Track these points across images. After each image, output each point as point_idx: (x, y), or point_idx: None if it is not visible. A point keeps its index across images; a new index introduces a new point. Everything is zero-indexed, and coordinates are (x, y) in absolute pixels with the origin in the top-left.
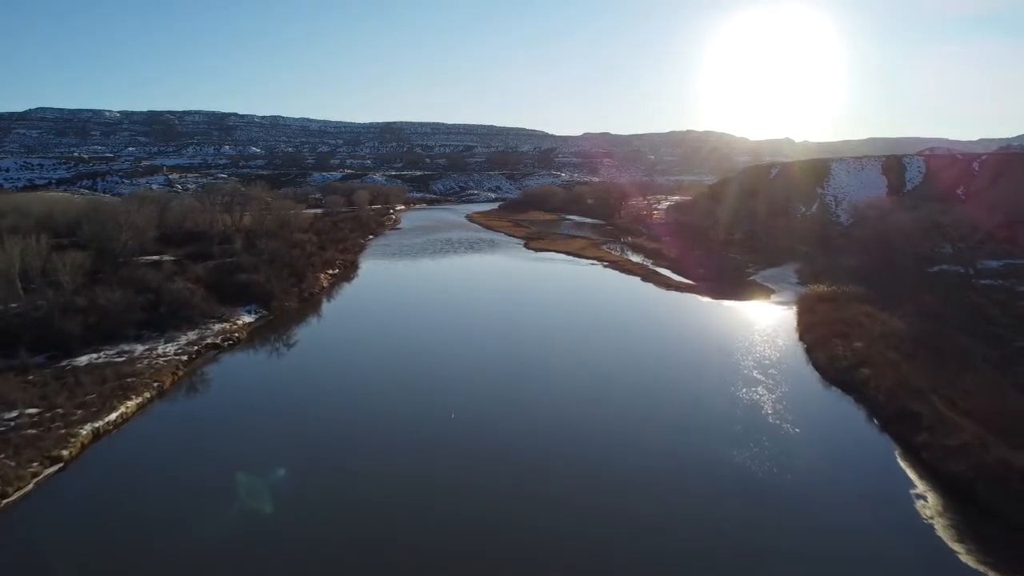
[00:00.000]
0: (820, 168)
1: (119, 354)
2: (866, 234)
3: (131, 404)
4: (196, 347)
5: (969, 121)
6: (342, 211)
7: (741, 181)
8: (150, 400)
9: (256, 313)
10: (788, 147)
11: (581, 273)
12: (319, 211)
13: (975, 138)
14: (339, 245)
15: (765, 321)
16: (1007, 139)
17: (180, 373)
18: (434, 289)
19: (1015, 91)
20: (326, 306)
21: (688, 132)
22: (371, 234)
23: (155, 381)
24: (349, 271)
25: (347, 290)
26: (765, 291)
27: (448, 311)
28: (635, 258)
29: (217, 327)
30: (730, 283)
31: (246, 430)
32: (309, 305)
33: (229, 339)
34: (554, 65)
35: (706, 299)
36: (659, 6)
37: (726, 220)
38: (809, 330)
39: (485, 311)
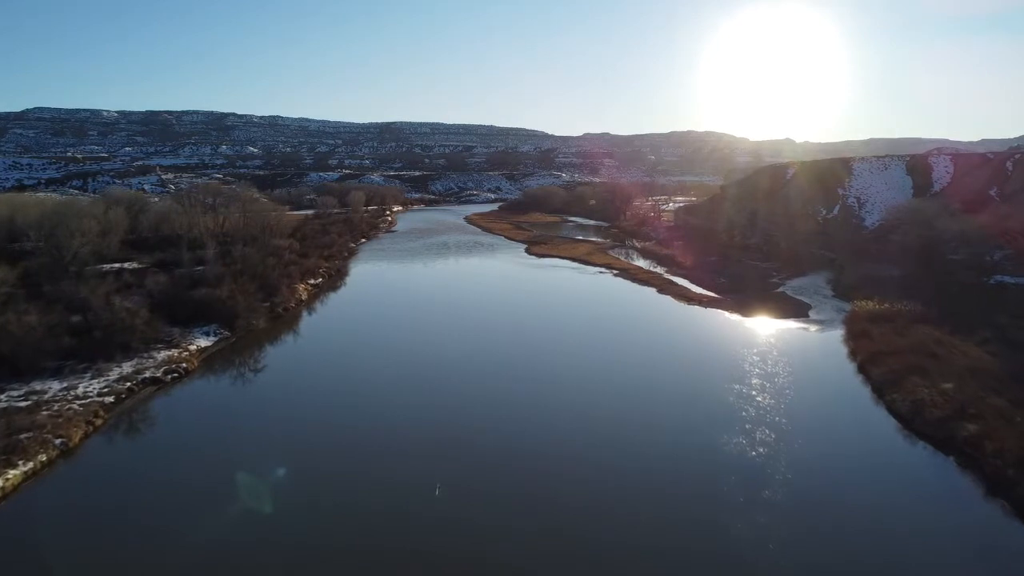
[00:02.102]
0: (841, 168)
1: (26, 396)
2: (909, 240)
3: (14, 474)
4: (129, 383)
5: (970, 122)
6: (334, 213)
7: (756, 182)
8: (45, 465)
9: (216, 335)
10: (789, 147)
11: (589, 283)
12: (310, 213)
13: (976, 139)
14: (325, 251)
15: (810, 346)
16: (1009, 140)
17: (98, 422)
18: (425, 303)
19: (1016, 91)
20: (302, 324)
21: (689, 132)
22: (363, 237)
23: (59, 436)
24: (335, 280)
25: (328, 305)
26: (799, 306)
27: (440, 329)
28: (644, 263)
29: (162, 355)
30: (756, 296)
31: (163, 526)
32: (282, 323)
33: (174, 371)
34: (554, 65)
35: (735, 316)
36: (659, 6)
37: (742, 223)
38: (872, 361)
39: (482, 331)
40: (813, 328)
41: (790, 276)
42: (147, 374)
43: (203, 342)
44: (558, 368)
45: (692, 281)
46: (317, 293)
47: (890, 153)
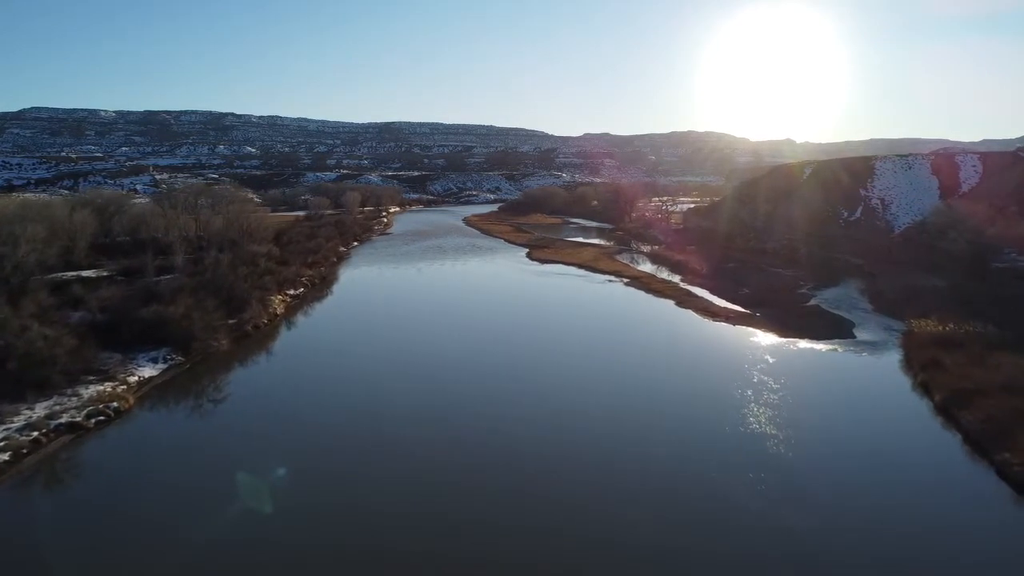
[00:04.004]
0: (861, 167)
1: None
2: (958, 248)
3: None
4: (36, 432)
5: (970, 122)
6: (327, 214)
7: (769, 182)
8: None
9: (166, 361)
10: (789, 148)
11: (598, 294)
12: (300, 214)
13: (977, 139)
14: (309, 257)
15: (867, 376)
16: (1010, 140)
17: None
18: (415, 317)
19: (1016, 91)
20: (274, 343)
21: (689, 132)
22: (356, 240)
23: None
24: (318, 290)
25: (308, 319)
26: (840, 324)
27: (430, 352)
28: (655, 269)
29: (90, 391)
30: (788, 310)
31: None
32: (251, 342)
33: (102, 412)
34: (554, 65)
35: (770, 336)
36: (659, 6)
37: (757, 227)
38: (959, 403)
39: (478, 354)
40: (864, 352)
41: (819, 286)
42: (64, 419)
43: (148, 371)
44: (563, 387)
45: (712, 292)
46: (297, 305)
47: (892, 153)
